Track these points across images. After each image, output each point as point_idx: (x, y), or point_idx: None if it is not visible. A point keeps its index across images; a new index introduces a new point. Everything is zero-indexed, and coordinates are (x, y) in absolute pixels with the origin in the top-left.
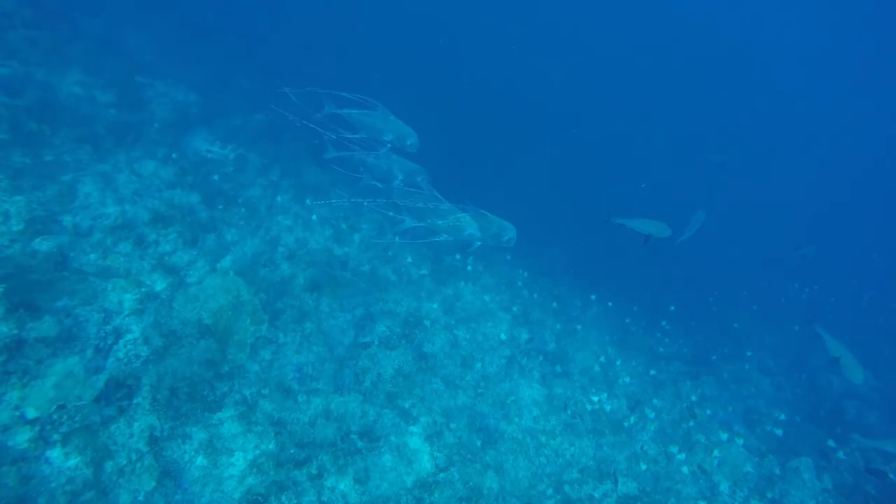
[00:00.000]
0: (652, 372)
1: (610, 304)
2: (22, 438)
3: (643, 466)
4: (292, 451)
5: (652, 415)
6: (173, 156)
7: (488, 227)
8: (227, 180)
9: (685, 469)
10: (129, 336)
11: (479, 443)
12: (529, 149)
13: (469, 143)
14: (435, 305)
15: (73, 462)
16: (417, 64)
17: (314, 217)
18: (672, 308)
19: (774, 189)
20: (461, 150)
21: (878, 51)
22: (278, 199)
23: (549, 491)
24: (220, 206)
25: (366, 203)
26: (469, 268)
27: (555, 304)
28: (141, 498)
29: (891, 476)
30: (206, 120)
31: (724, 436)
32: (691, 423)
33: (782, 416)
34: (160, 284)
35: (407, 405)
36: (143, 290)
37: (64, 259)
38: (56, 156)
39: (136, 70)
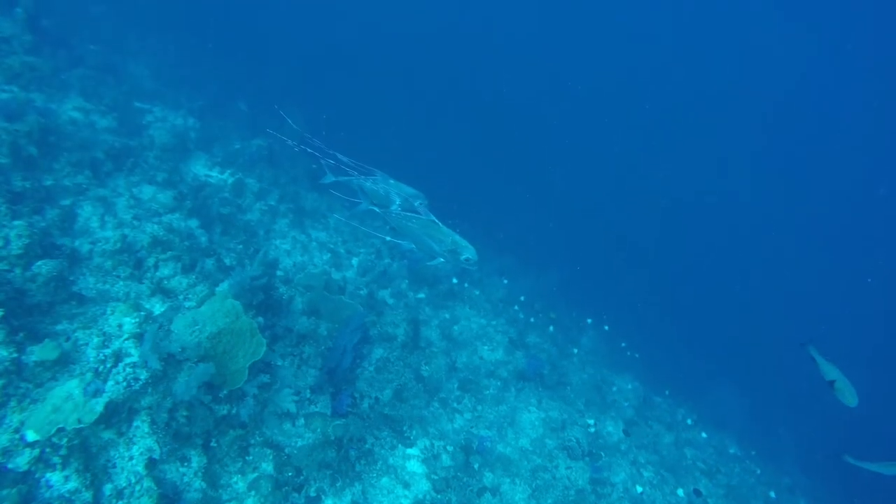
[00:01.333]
0: (647, 395)
1: (606, 327)
2: (22, 461)
3: (639, 489)
4: (290, 474)
5: (648, 439)
6: (172, 180)
7: (441, 239)
8: (226, 205)
9: (680, 492)
10: (128, 359)
11: (476, 465)
12: (526, 175)
13: (469, 170)
14: (432, 329)
15: (72, 485)
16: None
17: (313, 241)
18: (667, 333)
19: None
20: (462, 176)
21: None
22: (277, 223)
23: None
24: (219, 231)
25: (363, 227)
26: (466, 292)
27: (551, 328)
28: None
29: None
30: (204, 145)
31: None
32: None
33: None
34: (159, 308)
35: (404, 428)
36: (143, 313)
37: (64, 283)
38: (56, 180)
39: (136, 96)
